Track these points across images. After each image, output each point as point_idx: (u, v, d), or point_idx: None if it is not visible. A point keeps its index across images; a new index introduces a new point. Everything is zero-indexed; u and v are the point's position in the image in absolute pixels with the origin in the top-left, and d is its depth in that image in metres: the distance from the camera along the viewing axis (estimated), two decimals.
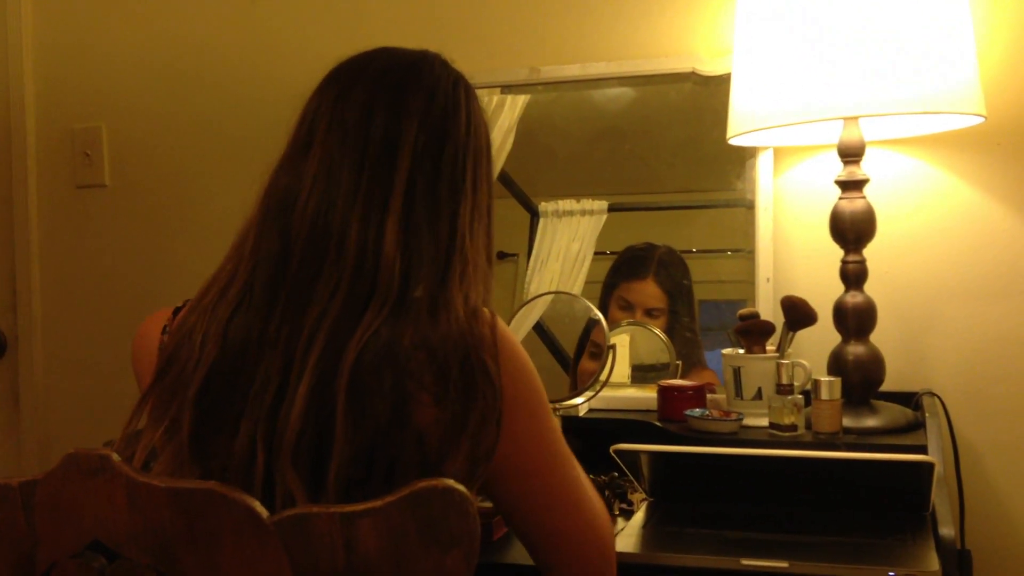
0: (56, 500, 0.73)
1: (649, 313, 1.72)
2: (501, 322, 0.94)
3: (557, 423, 1.00)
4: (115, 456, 0.71)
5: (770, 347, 1.49)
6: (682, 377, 1.64)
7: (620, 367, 1.66)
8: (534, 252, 1.79)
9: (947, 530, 1.11)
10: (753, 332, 1.48)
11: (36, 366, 2.05)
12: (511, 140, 1.77)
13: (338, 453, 0.84)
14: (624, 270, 1.77)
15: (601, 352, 1.55)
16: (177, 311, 1.01)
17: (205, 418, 0.89)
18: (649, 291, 1.74)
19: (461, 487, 0.71)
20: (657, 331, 1.69)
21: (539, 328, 1.72)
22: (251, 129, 1.88)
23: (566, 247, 1.78)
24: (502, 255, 1.82)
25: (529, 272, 1.78)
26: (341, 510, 0.70)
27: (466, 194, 0.98)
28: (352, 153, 0.95)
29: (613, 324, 1.69)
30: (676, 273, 1.74)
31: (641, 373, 1.69)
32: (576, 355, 1.71)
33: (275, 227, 0.95)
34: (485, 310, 0.93)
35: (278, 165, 0.99)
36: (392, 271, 0.91)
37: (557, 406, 1.53)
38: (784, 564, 1.06)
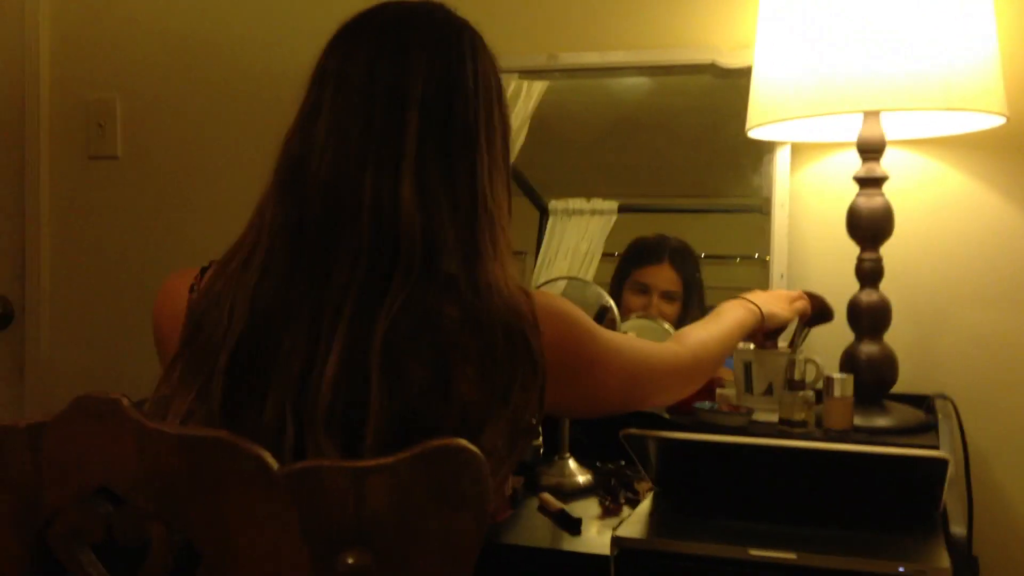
0: (64, 444, 0.72)
1: (665, 296, 1.71)
2: (539, 293, 0.95)
3: (613, 348, 1.05)
4: (125, 400, 0.69)
5: (782, 343, 1.47)
6: None
7: None
8: (542, 250, 1.78)
9: (958, 528, 1.09)
10: None
11: (42, 338, 2.04)
12: (524, 134, 1.76)
13: (374, 418, 0.82)
14: (637, 257, 1.76)
15: None
16: (204, 271, 0.99)
17: (235, 389, 0.87)
18: (665, 274, 1.73)
19: (474, 448, 0.70)
20: (667, 326, 1.67)
21: None
22: (266, 103, 1.87)
23: (575, 246, 1.77)
24: None
25: (537, 269, 1.77)
26: (353, 465, 0.69)
27: (480, 147, 0.96)
28: (359, 114, 0.93)
29: (627, 311, 1.68)
30: (689, 262, 1.73)
31: None
32: None
33: (289, 197, 0.93)
34: (526, 290, 0.93)
35: (290, 132, 0.97)
36: (413, 233, 0.89)
37: None
38: (792, 555, 1.05)
